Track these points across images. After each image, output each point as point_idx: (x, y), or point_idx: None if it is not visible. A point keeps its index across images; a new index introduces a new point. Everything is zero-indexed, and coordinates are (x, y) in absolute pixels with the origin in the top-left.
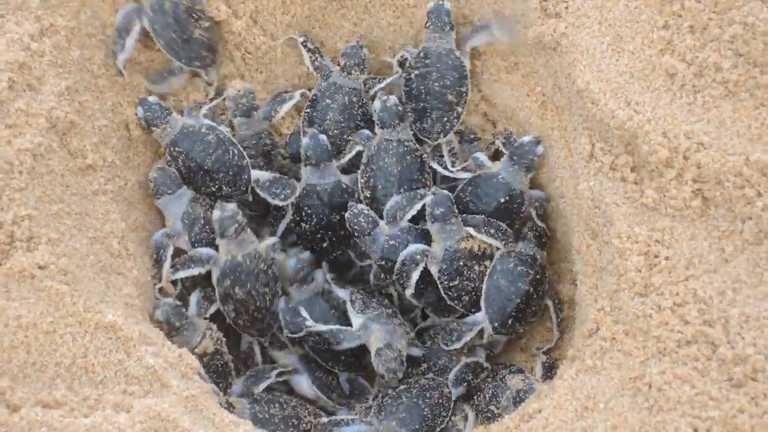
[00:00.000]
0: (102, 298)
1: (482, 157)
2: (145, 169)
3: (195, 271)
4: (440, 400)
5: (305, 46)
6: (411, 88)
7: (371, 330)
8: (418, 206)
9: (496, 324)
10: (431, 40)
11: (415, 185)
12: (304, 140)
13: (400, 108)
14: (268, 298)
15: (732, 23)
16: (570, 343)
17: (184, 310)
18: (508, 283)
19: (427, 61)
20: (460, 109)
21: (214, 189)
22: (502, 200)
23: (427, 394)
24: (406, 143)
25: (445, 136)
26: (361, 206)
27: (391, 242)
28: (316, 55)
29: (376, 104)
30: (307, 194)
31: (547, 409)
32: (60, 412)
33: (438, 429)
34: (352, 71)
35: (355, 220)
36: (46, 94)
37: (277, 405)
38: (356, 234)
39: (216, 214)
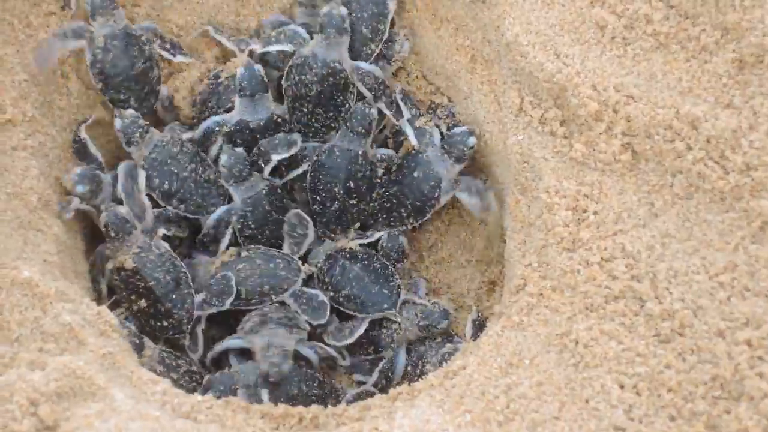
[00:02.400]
0: (19, 254)
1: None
2: (68, 124)
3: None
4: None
5: None
6: None
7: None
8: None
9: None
10: None
11: None
12: (239, 70)
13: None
14: (200, 172)
15: None
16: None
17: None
18: None
19: None
20: (374, 47)
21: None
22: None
23: None
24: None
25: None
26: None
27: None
28: None
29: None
30: (239, 130)
31: (471, 365)
32: None
33: None
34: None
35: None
36: None
37: (183, 360)
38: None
39: (117, 123)
